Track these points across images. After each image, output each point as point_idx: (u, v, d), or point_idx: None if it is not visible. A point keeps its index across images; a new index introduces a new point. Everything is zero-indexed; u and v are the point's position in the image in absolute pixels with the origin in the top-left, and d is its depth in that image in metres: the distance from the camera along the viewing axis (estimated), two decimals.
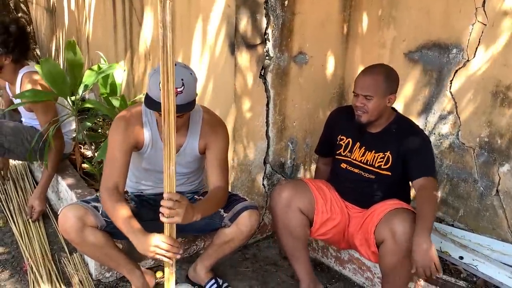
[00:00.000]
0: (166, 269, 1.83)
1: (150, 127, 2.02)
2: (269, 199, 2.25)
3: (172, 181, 1.67)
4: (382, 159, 2.17)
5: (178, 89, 1.76)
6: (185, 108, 1.83)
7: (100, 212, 2.01)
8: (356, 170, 2.24)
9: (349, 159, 2.27)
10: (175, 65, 1.69)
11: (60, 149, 2.83)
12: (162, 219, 1.71)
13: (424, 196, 1.98)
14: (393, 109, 2.25)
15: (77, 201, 2.10)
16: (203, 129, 2.07)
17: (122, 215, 1.86)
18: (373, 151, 2.19)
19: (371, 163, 2.20)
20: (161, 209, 1.70)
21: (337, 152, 2.32)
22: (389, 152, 2.15)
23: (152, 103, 1.81)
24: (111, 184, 1.93)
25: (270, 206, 2.26)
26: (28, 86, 2.70)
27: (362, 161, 2.22)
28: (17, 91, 2.80)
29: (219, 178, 2.05)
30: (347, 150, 2.27)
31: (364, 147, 2.22)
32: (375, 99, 2.07)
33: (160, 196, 1.76)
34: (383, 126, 2.19)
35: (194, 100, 1.89)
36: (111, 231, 2.04)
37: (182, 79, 1.78)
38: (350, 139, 2.28)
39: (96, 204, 2.04)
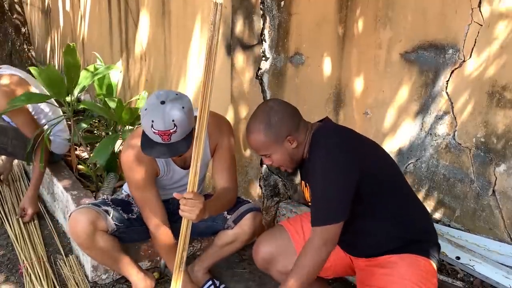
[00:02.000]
0: (175, 270, 1.82)
1: None
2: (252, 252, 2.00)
3: (196, 180, 1.70)
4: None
5: (171, 130, 1.72)
6: (181, 147, 1.78)
7: (111, 216, 2.00)
8: None
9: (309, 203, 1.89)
10: (163, 103, 1.70)
11: (34, 138, 2.73)
12: (180, 212, 1.72)
13: (301, 253, 1.67)
14: (321, 125, 1.81)
15: (87, 204, 2.07)
16: (211, 130, 2.05)
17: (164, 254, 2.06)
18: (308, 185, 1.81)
19: None
20: (182, 202, 1.70)
21: None
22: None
23: (149, 144, 1.78)
24: (155, 222, 1.99)
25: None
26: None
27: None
28: None
29: (228, 179, 2.05)
30: (305, 194, 1.91)
31: (307, 184, 1.83)
32: (273, 154, 1.73)
33: (164, 203, 1.77)
34: (306, 155, 1.77)
35: (191, 132, 1.81)
36: (119, 235, 2.04)
37: (173, 120, 1.72)
38: (302, 181, 1.91)
39: (106, 208, 2.03)
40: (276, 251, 1.90)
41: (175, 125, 1.71)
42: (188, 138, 1.80)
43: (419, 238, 1.73)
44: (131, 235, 2.09)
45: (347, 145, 1.67)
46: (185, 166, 2.04)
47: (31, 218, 2.79)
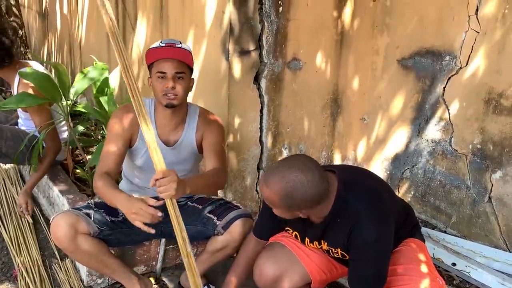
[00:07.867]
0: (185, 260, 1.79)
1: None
2: (253, 274, 1.91)
3: (160, 158, 1.69)
4: (337, 253, 1.75)
5: (177, 45, 1.93)
6: (185, 56, 1.94)
7: (92, 218, 1.99)
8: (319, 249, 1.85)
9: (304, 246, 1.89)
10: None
11: (55, 151, 2.80)
12: (159, 194, 1.68)
13: None
14: (338, 179, 1.62)
15: (68, 209, 2.08)
16: (200, 122, 2.11)
17: (110, 189, 1.87)
18: (326, 244, 1.75)
19: (328, 252, 1.79)
20: (156, 184, 1.68)
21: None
22: (339, 249, 1.72)
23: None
24: (104, 171, 1.94)
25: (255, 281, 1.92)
26: (22, 87, 2.68)
27: (320, 248, 1.82)
28: (14, 91, 2.78)
29: (215, 161, 2.06)
30: (297, 240, 1.88)
31: (315, 241, 1.79)
32: (278, 211, 1.62)
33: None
34: (322, 218, 1.66)
35: (191, 70, 2.01)
36: (104, 238, 2.02)
37: (180, 41, 1.98)
38: (296, 233, 1.86)
39: (88, 211, 2.02)
40: (284, 268, 1.84)
41: (180, 42, 1.97)
42: (188, 60, 1.97)
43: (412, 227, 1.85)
44: (118, 237, 2.07)
45: (385, 217, 1.61)
46: (168, 143, 2.09)
47: (31, 212, 2.77)
